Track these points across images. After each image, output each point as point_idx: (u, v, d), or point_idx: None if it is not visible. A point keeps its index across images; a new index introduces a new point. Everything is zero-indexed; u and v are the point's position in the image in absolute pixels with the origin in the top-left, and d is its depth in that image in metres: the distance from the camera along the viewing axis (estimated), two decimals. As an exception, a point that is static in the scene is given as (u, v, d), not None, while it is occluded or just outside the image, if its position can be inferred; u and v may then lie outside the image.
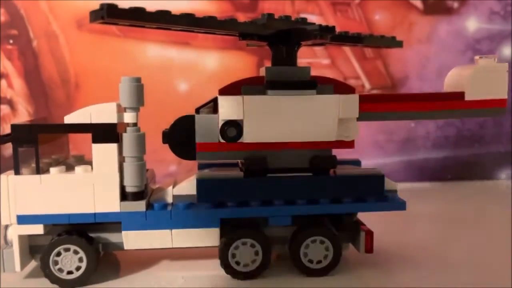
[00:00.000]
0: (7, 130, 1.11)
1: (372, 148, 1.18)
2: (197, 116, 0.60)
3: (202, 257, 0.67)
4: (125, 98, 0.58)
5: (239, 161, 0.66)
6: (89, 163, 0.64)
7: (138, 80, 0.58)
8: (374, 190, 0.61)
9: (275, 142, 0.60)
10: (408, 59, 1.17)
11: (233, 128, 0.59)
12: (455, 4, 1.15)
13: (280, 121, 0.59)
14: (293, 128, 0.59)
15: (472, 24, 1.15)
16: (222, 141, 0.59)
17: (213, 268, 0.63)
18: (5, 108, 1.12)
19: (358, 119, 0.61)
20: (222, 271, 0.61)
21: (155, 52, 1.13)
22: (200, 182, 0.61)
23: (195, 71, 1.14)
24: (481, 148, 1.20)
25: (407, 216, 0.67)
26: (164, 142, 0.62)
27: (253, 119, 0.58)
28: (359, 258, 0.66)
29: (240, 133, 0.59)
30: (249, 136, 0.59)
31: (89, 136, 0.59)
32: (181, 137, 0.61)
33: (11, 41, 1.10)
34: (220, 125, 0.59)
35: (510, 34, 1.15)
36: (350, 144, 0.62)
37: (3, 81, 1.11)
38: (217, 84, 0.61)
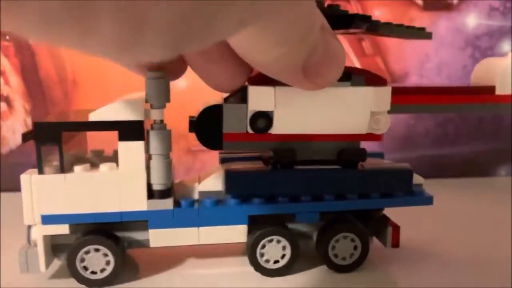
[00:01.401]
0: (4, 127, 1.09)
1: (370, 144, 1.16)
2: (225, 106, 0.58)
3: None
4: (152, 94, 0.57)
5: (261, 154, 0.65)
6: (109, 158, 0.62)
7: (163, 75, 0.57)
8: (402, 185, 0.61)
9: (304, 134, 0.59)
10: (407, 55, 1.17)
11: (263, 119, 0.57)
12: (455, 1, 1.16)
13: (312, 113, 0.57)
14: (325, 120, 0.57)
15: (472, 20, 1.16)
16: (250, 131, 0.58)
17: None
18: (1, 106, 1.09)
19: (389, 111, 0.59)
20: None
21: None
22: (229, 175, 0.60)
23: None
24: (480, 145, 1.20)
25: (405, 213, 0.65)
26: (190, 131, 0.60)
27: (284, 110, 0.56)
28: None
29: (270, 124, 0.57)
30: (279, 127, 0.57)
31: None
32: (208, 126, 0.59)
33: (7, 38, 1.07)
34: (249, 115, 0.57)
35: (509, 30, 1.16)
36: (378, 137, 0.60)
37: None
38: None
